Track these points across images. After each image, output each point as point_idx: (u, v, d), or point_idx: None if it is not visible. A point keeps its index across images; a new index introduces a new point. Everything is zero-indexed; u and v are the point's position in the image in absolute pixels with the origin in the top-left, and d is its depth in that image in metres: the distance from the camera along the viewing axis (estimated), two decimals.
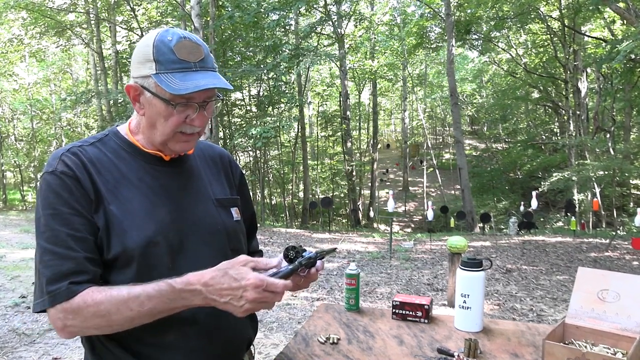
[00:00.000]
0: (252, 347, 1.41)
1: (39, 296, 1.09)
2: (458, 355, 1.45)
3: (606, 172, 15.89)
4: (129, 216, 1.14)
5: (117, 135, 1.25)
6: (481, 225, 14.41)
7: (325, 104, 30.20)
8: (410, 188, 29.53)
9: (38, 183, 1.21)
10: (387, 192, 10.37)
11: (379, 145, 30.71)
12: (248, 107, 20.36)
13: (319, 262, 1.27)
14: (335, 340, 1.59)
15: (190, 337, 1.18)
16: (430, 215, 11.27)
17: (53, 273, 1.07)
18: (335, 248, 1.51)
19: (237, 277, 1.04)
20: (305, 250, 1.27)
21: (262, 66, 15.30)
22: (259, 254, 1.56)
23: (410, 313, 1.77)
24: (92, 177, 1.15)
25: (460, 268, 1.70)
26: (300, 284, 1.26)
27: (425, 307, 1.75)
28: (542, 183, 18.28)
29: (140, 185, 1.20)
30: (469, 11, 18.51)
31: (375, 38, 25.01)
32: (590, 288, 1.53)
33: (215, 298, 1.05)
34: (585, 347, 1.42)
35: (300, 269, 1.22)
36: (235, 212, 1.35)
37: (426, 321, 1.75)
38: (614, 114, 19.58)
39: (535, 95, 25.13)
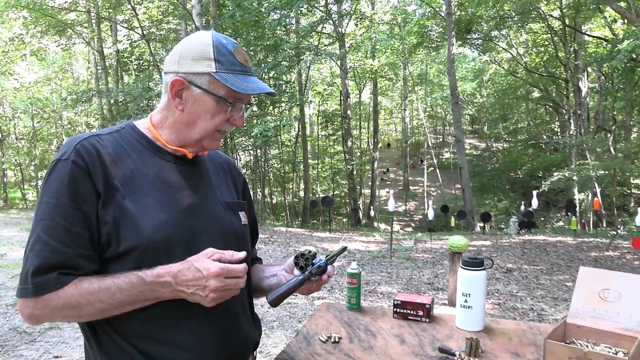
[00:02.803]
0: (255, 351, 1.41)
1: (22, 282, 1.09)
2: (459, 355, 1.45)
3: (607, 172, 15.88)
4: (143, 210, 1.14)
5: (134, 129, 1.26)
6: (481, 224, 14.41)
7: (326, 103, 30.18)
8: (411, 187, 29.53)
9: (47, 169, 1.21)
10: (388, 192, 10.38)
11: (380, 145, 30.67)
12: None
13: (329, 268, 1.29)
14: (336, 339, 1.59)
15: (201, 337, 1.18)
16: (430, 214, 11.27)
17: (41, 264, 1.07)
18: (346, 247, 1.52)
19: (201, 268, 1.08)
20: (315, 256, 1.28)
21: (262, 65, 15.30)
22: (259, 261, 1.57)
23: (412, 312, 1.77)
24: (107, 169, 1.14)
25: (462, 267, 1.71)
26: (312, 288, 1.30)
27: (427, 306, 1.75)
28: (542, 182, 18.28)
29: (155, 180, 1.20)
30: (469, 10, 18.51)
31: (375, 37, 24.98)
32: (591, 287, 1.53)
33: (183, 289, 1.09)
34: (587, 346, 1.43)
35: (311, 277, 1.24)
36: (243, 216, 1.37)
37: (427, 320, 1.75)
38: (614, 113, 19.55)
39: (536, 94, 25.14)
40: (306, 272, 1.25)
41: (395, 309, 1.80)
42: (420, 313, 1.76)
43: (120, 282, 1.08)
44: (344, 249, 1.49)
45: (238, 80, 1.17)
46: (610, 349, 1.41)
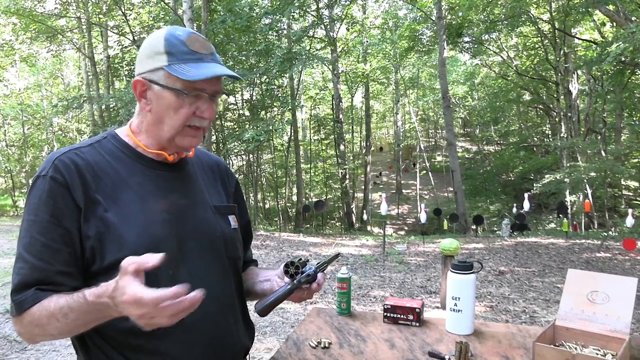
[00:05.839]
0: (247, 356, 1.40)
1: (10, 302, 1.10)
2: (449, 359, 1.45)
3: (598, 174, 15.99)
4: (127, 222, 1.12)
5: (115, 137, 1.23)
6: (474, 227, 14.47)
7: (318, 108, 30.21)
8: (404, 191, 29.58)
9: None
10: (380, 195, 10.37)
11: (372, 148, 30.72)
12: (241, 111, 20.36)
13: (319, 276, 1.27)
14: (326, 345, 1.59)
15: (190, 345, 1.17)
16: (423, 217, 11.29)
17: (21, 281, 1.07)
18: (338, 254, 1.51)
19: (121, 290, 0.92)
20: (306, 264, 1.27)
21: (254, 70, 15.30)
22: (254, 263, 1.56)
23: (402, 316, 1.77)
24: (86, 182, 1.12)
25: (451, 271, 1.71)
26: (303, 296, 1.28)
27: (417, 310, 1.75)
28: (534, 185, 18.38)
29: (139, 189, 1.17)
30: (460, 14, 18.60)
31: (367, 41, 25.06)
32: (580, 290, 1.53)
33: (122, 310, 0.94)
34: (576, 348, 1.43)
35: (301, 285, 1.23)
36: (232, 220, 1.34)
37: (418, 324, 1.75)
38: (604, 115, 19.74)
39: (527, 97, 25.28)
40: (295, 281, 1.25)
41: (385, 314, 1.80)
42: (411, 317, 1.76)
43: (71, 301, 1.01)
44: (337, 256, 1.48)
45: (188, 69, 1.11)
46: (599, 351, 1.42)
